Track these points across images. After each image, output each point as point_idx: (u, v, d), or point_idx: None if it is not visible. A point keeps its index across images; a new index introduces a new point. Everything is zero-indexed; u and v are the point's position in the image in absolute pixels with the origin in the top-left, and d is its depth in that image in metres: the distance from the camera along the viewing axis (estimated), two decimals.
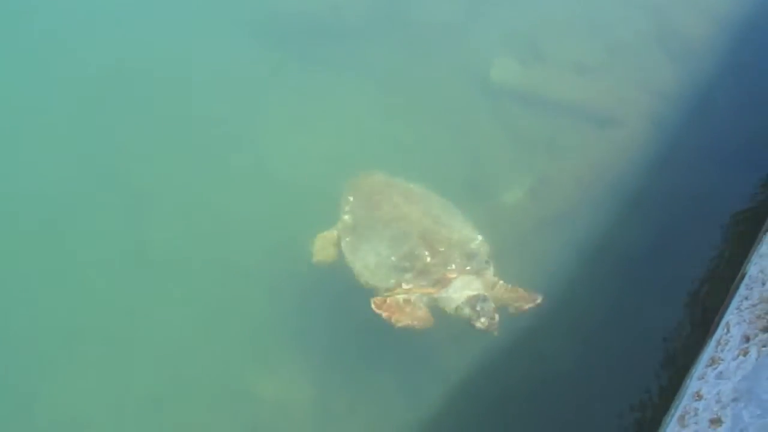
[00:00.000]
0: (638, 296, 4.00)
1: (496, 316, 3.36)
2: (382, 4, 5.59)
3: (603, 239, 4.24)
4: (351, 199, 3.92)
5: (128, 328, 4.08)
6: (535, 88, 5.09)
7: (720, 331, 2.77)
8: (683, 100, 5.01)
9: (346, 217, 3.86)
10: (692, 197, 4.42)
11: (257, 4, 5.66)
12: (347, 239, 3.75)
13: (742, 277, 3.07)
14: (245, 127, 4.94)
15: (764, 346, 2.54)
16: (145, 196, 4.58)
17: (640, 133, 4.85)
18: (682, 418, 2.51)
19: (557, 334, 3.82)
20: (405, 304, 3.48)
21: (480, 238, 3.67)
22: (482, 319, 3.33)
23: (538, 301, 3.51)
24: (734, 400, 2.40)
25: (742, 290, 2.91)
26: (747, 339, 2.61)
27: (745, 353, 2.55)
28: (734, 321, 2.74)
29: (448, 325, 3.56)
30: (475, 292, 3.41)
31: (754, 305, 2.76)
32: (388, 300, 3.49)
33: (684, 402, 2.59)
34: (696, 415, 2.47)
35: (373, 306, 3.48)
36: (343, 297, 3.85)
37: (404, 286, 3.51)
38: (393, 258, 3.56)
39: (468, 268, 3.54)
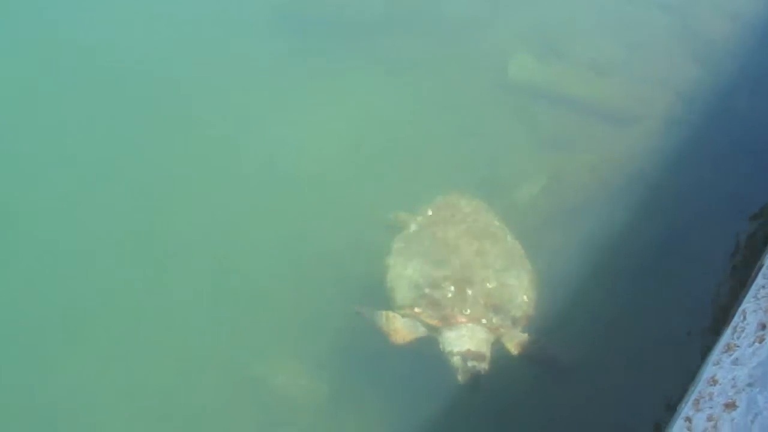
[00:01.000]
0: (652, 293, 3.98)
1: (483, 370, 3.34)
2: None
3: (618, 237, 4.23)
4: (429, 213, 3.97)
5: (138, 320, 4.08)
6: (552, 85, 5.10)
7: (736, 318, 2.77)
8: (702, 100, 4.99)
9: (413, 225, 3.90)
10: (708, 196, 4.42)
11: None
12: (401, 244, 3.79)
13: (760, 268, 3.07)
14: (260, 119, 4.96)
15: None
16: (161, 187, 4.61)
17: (658, 132, 4.85)
18: (696, 402, 2.50)
19: (572, 328, 3.78)
20: (404, 326, 3.50)
21: (525, 299, 3.60)
22: (465, 376, 3.33)
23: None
24: (749, 385, 2.39)
25: (759, 280, 2.91)
26: (763, 326, 2.60)
27: (761, 340, 2.54)
28: (751, 309, 2.74)
29: None
30: (475, 348, 3.36)
31: None
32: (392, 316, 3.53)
33: (699, 387, 2.58)
34: (711, 399, 2.47)
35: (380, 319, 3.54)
36: (357, 290, 3.88)
37: (416, 309, 3.53)
38: (421, 279, 3.57)
39: (483, 320, 3.48)
